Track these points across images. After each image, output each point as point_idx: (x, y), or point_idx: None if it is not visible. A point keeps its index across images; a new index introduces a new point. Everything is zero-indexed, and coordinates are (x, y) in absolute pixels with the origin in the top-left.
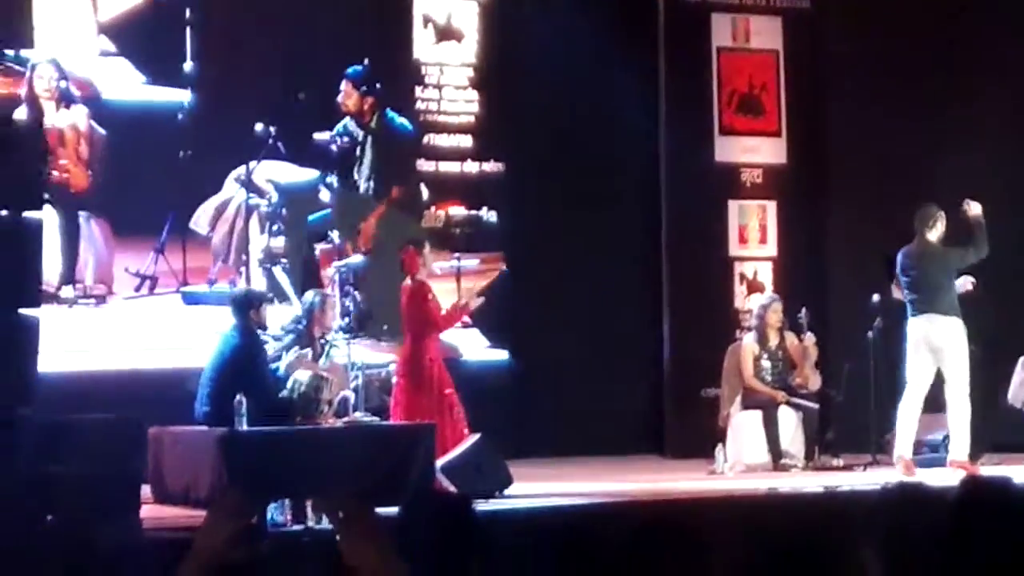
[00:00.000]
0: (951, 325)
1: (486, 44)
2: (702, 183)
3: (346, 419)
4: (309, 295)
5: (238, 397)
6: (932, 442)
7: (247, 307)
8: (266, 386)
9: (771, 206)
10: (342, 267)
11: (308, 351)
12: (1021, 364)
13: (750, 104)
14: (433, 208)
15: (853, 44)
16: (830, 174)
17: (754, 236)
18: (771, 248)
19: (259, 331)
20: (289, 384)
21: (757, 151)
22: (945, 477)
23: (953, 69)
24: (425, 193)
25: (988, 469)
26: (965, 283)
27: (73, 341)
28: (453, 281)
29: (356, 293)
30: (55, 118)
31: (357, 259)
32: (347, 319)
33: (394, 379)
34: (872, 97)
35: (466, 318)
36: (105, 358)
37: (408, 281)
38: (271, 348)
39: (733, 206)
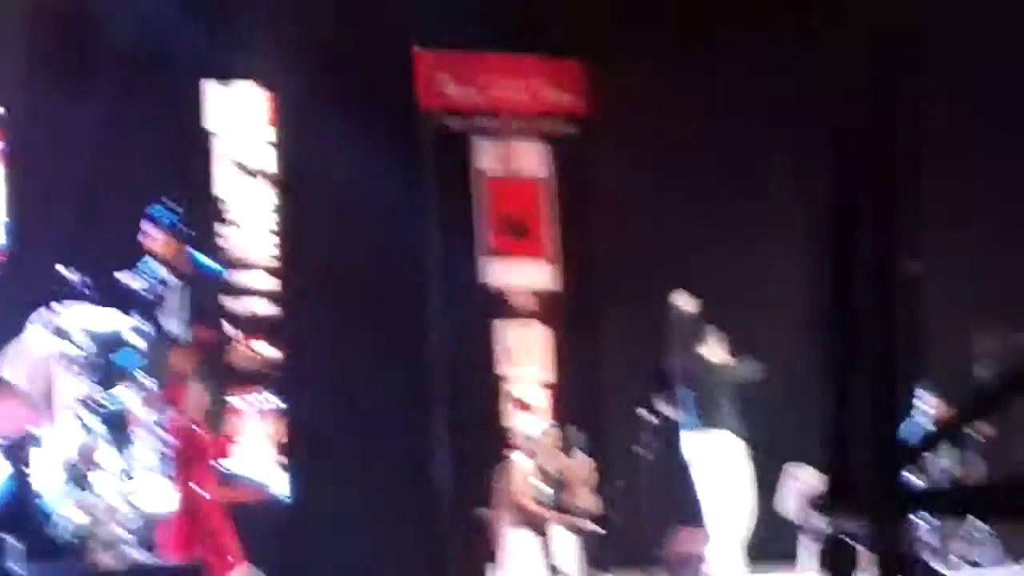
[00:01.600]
0: (728, 440)
1: (281, 180)
2: (471, 304)
3: (118, 557)
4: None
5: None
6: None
7: None
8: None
9: (541, 328)
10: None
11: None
12: (789, 472)
13: (519, 227)
14: (240, 345)
15: (622, 168)
16: (601, 297)
17: (523, 357)
18: (542, 369)
19: None
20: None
21: (526, 275)
22: None
23: (726, 193)
24: (232, 331)
25: None
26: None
27: None
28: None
29: (165, 435)
30: None
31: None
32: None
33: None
34: (644, 221)
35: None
36: None
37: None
38: None
39: (502, 326)
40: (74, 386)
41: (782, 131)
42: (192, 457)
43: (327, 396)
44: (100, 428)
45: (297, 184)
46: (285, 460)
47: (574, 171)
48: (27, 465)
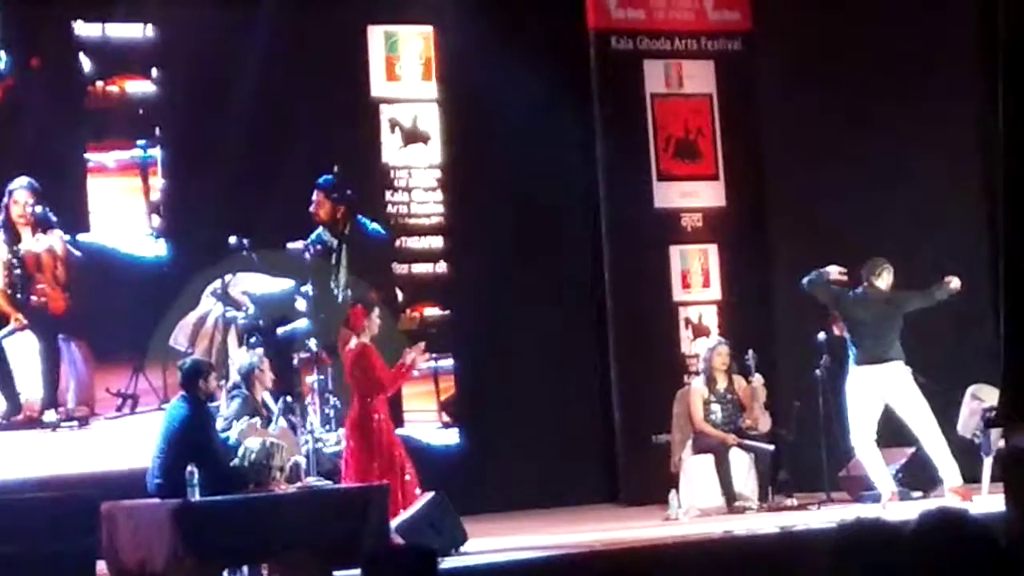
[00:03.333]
0: (898, 370)
1: (447, 143)
2: (642, 230)
3: (299, 484)
4: (245, 358)
5: (189, 468)
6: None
7: (195, 377)
8: (217, 455)
9: (712, 249)
10: (320, 378)
11: (257, 418)
12: (969, 394)
13: (687, 149)
14: (408, 310)
15: (788, 83)
16: (770, 215)
17: (697, 280)
18: (715, 292)
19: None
20: (240, 452)
21: (696, 195)
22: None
23: (889, 103)
24: (400, 296)
25: (941, 500)
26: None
27: (57, 464)
28: (432, 382)
29: (336, 400)
30: (31, 243)
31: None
32: (329, 425)
33: (344, 442)
34: (809, 137)
35: (446, 418)
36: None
37: (352, 344)
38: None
39: (674, 251)
40: (242, 351)
41: (951, 44)
42: (369, 385)
43: (503, 330)
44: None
45: (467, 114)
46: (460, 405)
47: (740, 88)
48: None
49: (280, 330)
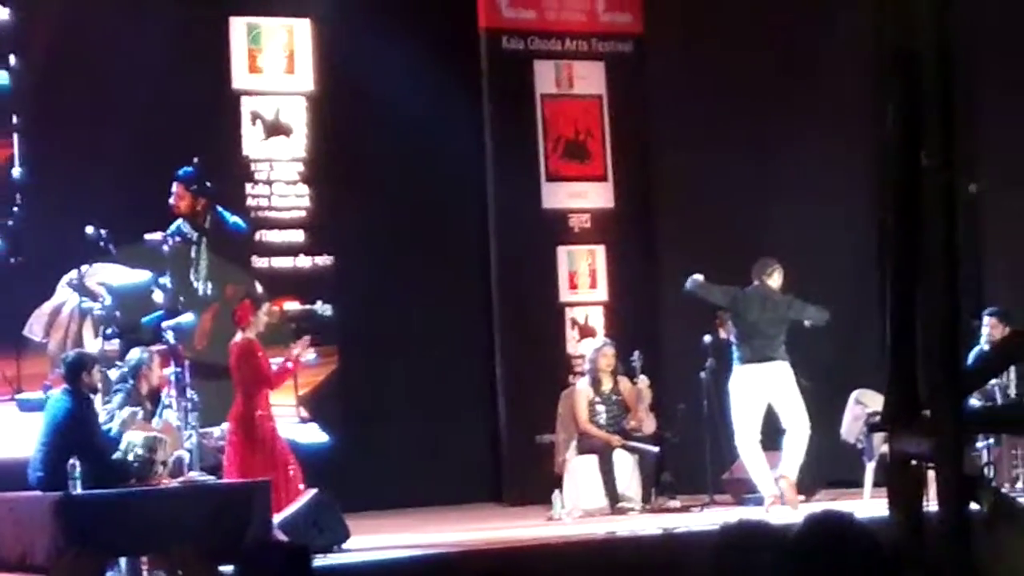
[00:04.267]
0: (781, 369)
1: (314, 137)
2: (530, 230)
3: (181, 479)
4: (135, 353)
5: (71, 460)
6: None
7: (79, 370)
8: (100, 449)
9: (600, 250)
10: (179, 369)
11: (139, 410)
12: (853, 399)
13: (576, 150)
14: (267, 304)
15: (678, 86)
16: (658, 217)
17: (584, 281)
18: (602, 292)
19: (90, 394)
20: (123, 445)
21: (584, 196)
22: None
23: (780, 108)
24: (259, 289)
25: (824, 504)
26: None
27: None
28: (291, 378)
29: (193, 393)
30: None
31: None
32: (188, 416)
33: (227, 436)
34: (699, 140)
35: (304, 412)
36: None
37: (237, 338)
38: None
39: (562, 252)
40: (97, 341)
41: (842, 51)
42: (255, 381)
43: (387, 327)
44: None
45: (347, 109)
46: (336, 401)
47: (630, 90)
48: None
49: (166, 324)
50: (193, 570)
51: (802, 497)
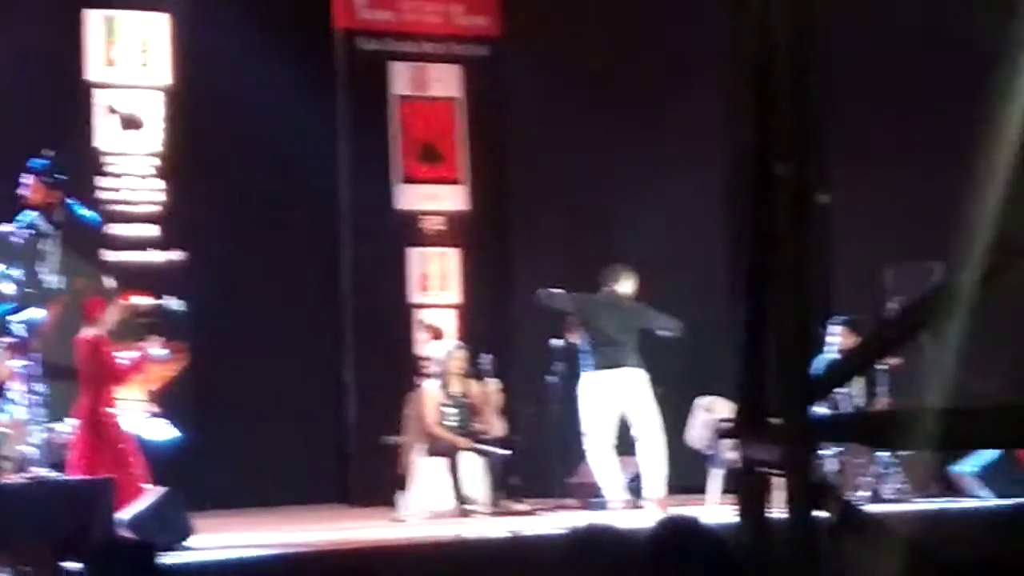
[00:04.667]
0: (634, 376)
1: (170, 131)
2: (383, 231)
3: (27, 475)
4: None
5: None
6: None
7: None
8: None
9: (453, 253)
10: (28, 363)
11: None
12: (701, 406)
13: (431, 152)
14: (118, 299)
15: (535, 91)
16: (512, 222)
17: (436, 283)
18: (453, 295)
19: None
20: None
21: (438, 199)
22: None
23: (637, 114)
24: (110, 283)
25: (671, 510)
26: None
27: None
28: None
29: (41, 387)
30: None
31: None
32: (36, 409)
33: (73, 433)
34: (555, 144)
35: (155, 408)
36: None
37: (84, 333)
38: None
39: (414, 253)
40: None
41: (701, 55)
42: (103, 377)
43: (238, 325)
44: None
45: (206, 106)
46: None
47: (487, 94)
48: None
49: (15, 317)
50: (39, 565)
51: (647, 502)
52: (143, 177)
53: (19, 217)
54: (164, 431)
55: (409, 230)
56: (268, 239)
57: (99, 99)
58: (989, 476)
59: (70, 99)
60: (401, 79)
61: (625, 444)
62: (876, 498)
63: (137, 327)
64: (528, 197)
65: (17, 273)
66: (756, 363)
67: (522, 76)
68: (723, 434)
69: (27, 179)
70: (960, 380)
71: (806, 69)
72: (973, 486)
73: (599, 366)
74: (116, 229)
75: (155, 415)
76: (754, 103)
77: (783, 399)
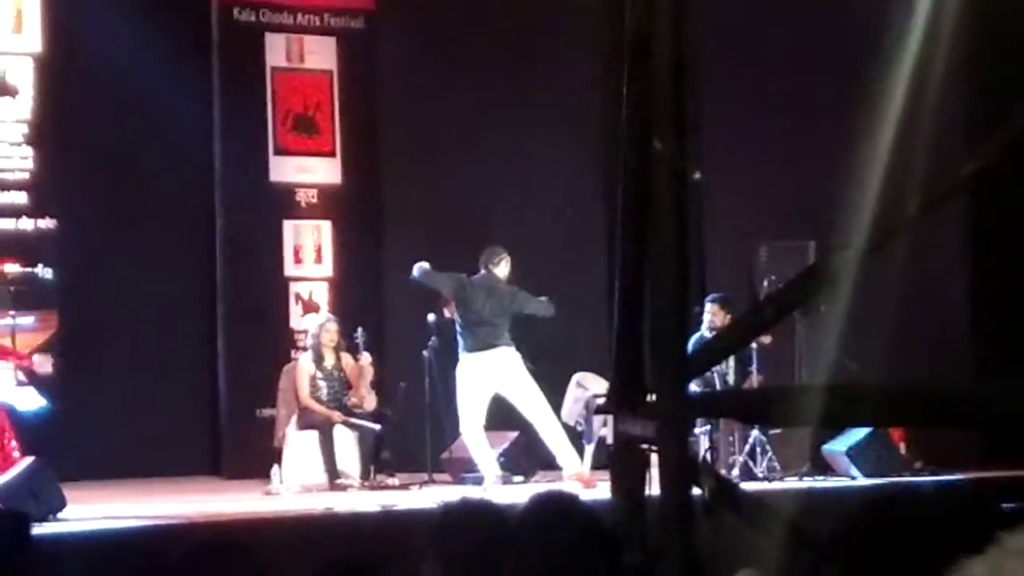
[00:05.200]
0: (507, 355)
1: (41, 99)
2: (257, 203)
3: None
4: None
5: None
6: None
7: None
8: None
9: (326, 226)
10: None
11: None
12: (574, 382)
13: (305, 124)
14: None
15: (410, 64)
16: (386, 195)
17: (310, 256)
18: (327, 268)
19: None
20: None
21: (312, 171)
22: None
23: (513, 90)
24: None
25: (542, 486)
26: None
27: None
28: (8, 339)
29: None
30: None
31: None
32: None
33: None
34: (429, 119)
35: (20, 376)
36: None
37: None
38: None
39: (288, 226)
40: None
41: (578, 32)
42: None
43: (109, 294)
44: None
45: (79, 75)
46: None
47: (361, 67)
48: None
49: None
50: None
51: (520, 478)
52: (13, 144)
53: None
54: (33, 400)
55: (283, 202)
56: (142, 209)
57: None
58: (860, 455)
59: None
60: (276, 51)
61: (496, 420)
62: (747, 476)
63: (5, 295)
64: (401, 171)
65: None
66: (632, 339)
67: (396, 49)
68: (598, 409)
69: None
70: (834, 358)
71: (687, 43)
72: (845, 464)
73: (473, 348)
74: None
75: (22, 384)
76: (634, 79)
77: (659, 375)
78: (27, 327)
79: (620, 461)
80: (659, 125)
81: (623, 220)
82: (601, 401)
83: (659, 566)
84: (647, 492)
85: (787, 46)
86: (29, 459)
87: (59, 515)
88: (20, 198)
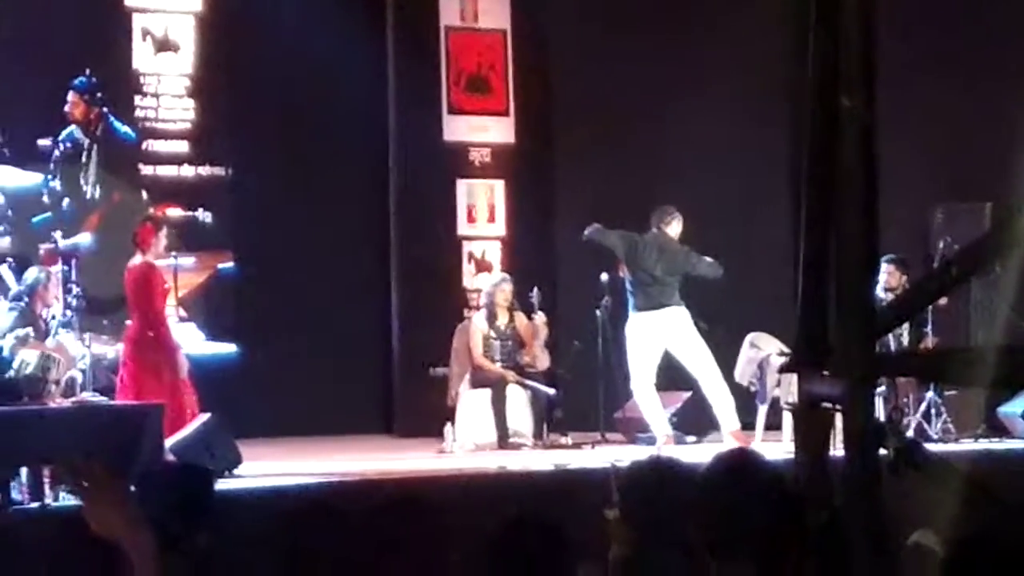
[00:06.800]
0: (677, 315)
1: (203, 54)
2: (431, 163)
3: (74, 399)
4: (32, 272)
5: None
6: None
7: None
8: None
9: (499, 185)
10: (65, 268)
11: (31, 329)
12: (748, 342)
13: (478, 83)
14: (151, 210)
15: (583, 22)
16: (559, 154)
17: (483, 215)
18: (500, 227)
19: None
20: (15, 363)
21: (486, 130)
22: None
23: (694, 50)
24: (144, 196)
25: (717, 446)
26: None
27: None
28: (170, 279)
29: (78, 289)
30: None
31: (85, 238)
32: (69, 314)
33: (122, 359)
34: (604, 79)
35: (183, 312)
36: None
37: (136, 260)
38: None
39: (462, 185)
40: None
41: None
42: (148, 304)
43: (282, 245)
44: (12, 280)
45: (241, 31)
46: (233, 321)
47: (535, 25)
48: None
49: (64, 242)
50: (99, 483)
51: (692, 438)
52: (175, 96)
53: (61, 132)
54: (208, 348)
55: (457, 161)
56: (313, 167)
57: (136, 23)
58: None
59: (111, 23)
60: (451, 10)
61: (668, 380)
62: (922, 438)
63: (170, 236)
64: (575, 131)
65: (57, 184)
66: (817, 298)
67: (569, 8)
68: (781, 368)
69: (70, 96)
70: (1009, 319)
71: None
72: (1021, 428)
73: (643, 307)
74: (151, 145)
75: (183, 320)
76: (820, 32)
77: (845, 334)
78: (188, 267)
79: (804, 420)
80: (847, 80)
81: (808, 178)
82: (782, 360)
83: (843, 526)
84: (831, 451)
85: (964, 5)
86: (205, 416)
87: (235, 471)
88: (182, 147)
